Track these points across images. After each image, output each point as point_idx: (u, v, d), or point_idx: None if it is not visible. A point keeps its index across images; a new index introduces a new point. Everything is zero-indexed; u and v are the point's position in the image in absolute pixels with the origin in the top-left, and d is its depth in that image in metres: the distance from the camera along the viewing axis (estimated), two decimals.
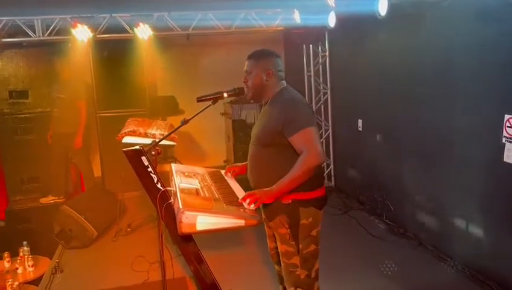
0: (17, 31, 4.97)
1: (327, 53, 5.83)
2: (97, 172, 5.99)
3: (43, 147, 5.46)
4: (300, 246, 2.26)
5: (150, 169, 2.33)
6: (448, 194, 3.66)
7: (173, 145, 4.23)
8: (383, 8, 4.05)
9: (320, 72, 6.00)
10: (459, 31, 3.39)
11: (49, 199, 5.49)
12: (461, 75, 3.41)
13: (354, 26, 4.80)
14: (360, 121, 5.09)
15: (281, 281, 2.67)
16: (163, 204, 2.29)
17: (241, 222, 2.01)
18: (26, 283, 3.77)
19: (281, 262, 2.37)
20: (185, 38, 5.63)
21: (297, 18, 5.44)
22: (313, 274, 2.33)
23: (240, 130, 6.39)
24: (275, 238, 2.46)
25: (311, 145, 2.13)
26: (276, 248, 2.50)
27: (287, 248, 2.29)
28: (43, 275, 3.80)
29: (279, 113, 2.23)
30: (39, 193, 5.58)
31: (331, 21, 5.03)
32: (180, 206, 1.95)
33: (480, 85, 3.23)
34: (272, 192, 2.14)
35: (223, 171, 2.73)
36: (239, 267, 3.65)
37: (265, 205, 2.25)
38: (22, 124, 5.56)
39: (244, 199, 2.11)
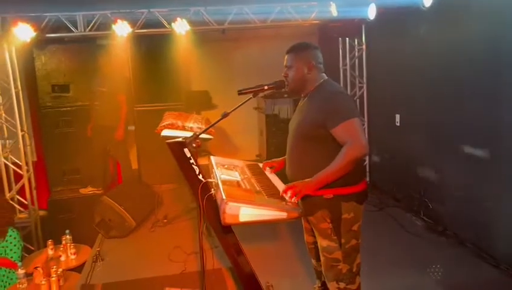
0: (59, 27, 5.12)
1: (364, 46, 5.73)
2: (134, 164, 6.13)
3: (83, 139, 5.63)
4: (343, 240, 2.25)
5: (192, 161, 2.37)
6: (491, 190, 3.53)
7: (210, 139, 4.27)
8: None
9: (357, 65, 5.91)
10: (508, 22, 3.25)
11: (88, 190, 5.67)
12: (507, 71, 3.28)
13: (395, 19, 4.68)
14: (397, 116, 4.99)
15: (318, 276, 2.67)
16: (204, 195, 2.33)
17: (283, 214, 2.02)
18: (68, 270, 3.90)
19: (321, 257, 2.36)
20: (220, 33, 5.65)
21: (333, 11, 5.35)
22: (355, 268, 2.32)
23: (272, 125, 6.37)
24: (313, 233, 2.46)
25: (355, 136, 2.10)
26: (315, 242, 2.50)
27: (329, 243, 2.28)
28: (84, 263, 3.93)
29: (321, 105, 2.22)
30: (79, 184, 5.75)
31: (371, 13, 4.92)
32: (224, 197, 1.97)
33: None
34: (312, 183, 2.12)
35: (261, 165, 2.74)
36: (275, 261, 3.65)
37: (305, 199, 2.23)
38: (63, 117, 5.73)
39: (285, 191, 2.11)
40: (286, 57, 2.40)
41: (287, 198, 2.09)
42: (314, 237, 2.48)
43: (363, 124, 5.93)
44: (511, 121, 3.28)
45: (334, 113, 2.16)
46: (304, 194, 2.12)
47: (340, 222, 2.23)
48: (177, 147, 2.38)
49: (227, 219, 1.95)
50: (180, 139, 2.37)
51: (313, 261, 2.65)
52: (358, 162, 2.13)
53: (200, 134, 2.58)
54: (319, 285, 2.70)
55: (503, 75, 3.33)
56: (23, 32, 4.71)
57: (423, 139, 4.51)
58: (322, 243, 2.31)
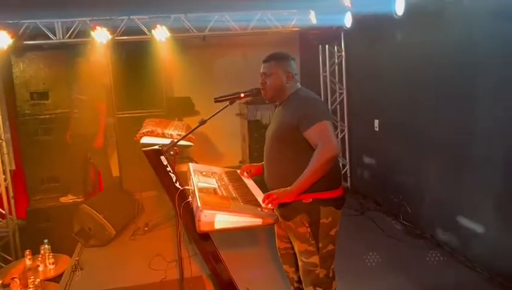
0: (38, 34, 5.07)
1: (343, 53, 5.82)
2: (115, 172, 6.08)
3: (62, 147, 5.56)
4: (320, 245, 2.28)
5: (168, 168, 2.38)
6: (467, 195, 3.61)
7: (190, 146, 4.27)
8: (400, 8, 4.03)
9: (336, 72, 5.99)
10: (479, 28, 3.35)
11: (69, 199, 5.59)
12: (482, 74, 3.37)
13: (371, 26, 4.78)
14: (376, 121, 5.06)
15: (291, 282, 2.70)
16: (181, 203, 2.33)
17: (258, 221, 2.03)
18: (47, 280, 3.85)
19: (299, 261, 2.38)
20: (201, 39, 5.68)
21: (313, 19, 5.44)
22: (331, 273, 2.34)
23: (255, 131, 6.41)
24: (287, 239, 2.48)
25: (325, 138, 2.14)
26: (286, 248, 2.55)
27: (307, 247, 2.30)
28: (63, 273, 3.87)
29: (294, 110, 2.26)
30: (59, 193, 5.68)
31: (347, 21, 5.01)
32: (199, 204, 1.98)
33: (501, 84, 3.18)
34: (291, 191, 2.15)
35: (239, 171, 2.76)
36: (254, 267, 3.66)
37: (284, 205, 2.25)
38: (42, 125, 5.66)
39: (263, 200, 2.14)
40: (264, 65, 2.43)
41: (264, 205, 2.11)
42: (287, 243, 2.51)
43: (343, 130, 6.01)
44: (485, 125, 3.37)
45: (306, 117, 2.19)
46: (281, 201, 2.14)
47: (319, 226, 2.26)
48: (153, 155, 2.38)
49: (203, 227, 1.95)
50: (156, 147, 2.38)
51: (285, 267, 2.68)
52: (332, 162, 2.15)
53: (177, 141, 2.59)
54: None
55: (477, 80, 3.41)
56: (0, 39, 4.65)
57: (401, 144, 4.59)
58: (300, 247, 2.33)
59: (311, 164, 2.13)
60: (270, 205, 2.11)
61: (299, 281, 2.47)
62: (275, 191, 2.18)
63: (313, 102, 2.31)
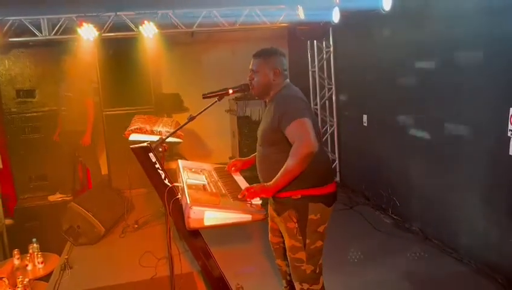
0: (23, 31, 5.01)
1: (331, 49, 5.84)
2: (104, 170, 6.03)
3: (50, 145, 5.52)
4: (307, 241, 2.29)
5: (157, 165, 2.37)
6: (453, 188, 3.66)
7: (179, 142, 4.25)
8: (387, 3, 4.05)
9: (325, 68, 6.01)
10: (464, 25, 3.39)
11: (57, 197, 5.56)
12: (466, 69, 3.41)
13: (358, 22, 4.80)
14: (365, 116, 5.10)
15: (283, 276, 2.73)
16: (170, 200, 2.33)
17: (247, 217, 2.04)
18: (36, 280, 3.82)
19: (287, 256, 2.40)
20: (190, 36, 5.65)
21: (301, 14, 5.44)
22: (318, 269, 2.36)
23: (245, 127, 6.41)
24: (279, 233, 2.50)
25: (302, 135, 2.13)
26: (279, 242, 2.57)
27: (294, 243, 2.32)
28: (52, 272, 3.84)
29: (275, 111, 2.26)
30: (47, 191, 5.64)
31: (335, 17, 5.02)
32: (188, 201, 1.98)
33: (485, 79, 3.23)
34: (269, 187, 2.17)
35: (226, 167, 2.76)
36: (245, 263, 3.68)
37: (275, 201, 2.30)
38: (30, 123, 5.61)
39: (242, 193, 2.15)
40: (252, 60, 2.42)
41: (239, 197, 2.13)
42: (279, 237, 2.52)
43: (333, 125, 6.03)
44: (471, 121, 3.41)
45: (285, 115, 2.19)
46: (259, 196, 2.15)
47: (307, 222, 2.27)
48: (142, 152, 2.37)
49: (192, 224, 1.96)
50: (144, 144, 2.37)
51: (278, 261, 2.70)
52: (308, 159, 2.12)
53: (166, 138, 2.58)
54: (285, 285, 2.74)
55: (462, 77, 3.46)
56: None
57: (390, 138, 4.63)
58: (288, 242, 2.35)
59: (288, 161, 2.14)
60: (258, 201, 2.12)
61: (290, 275, 2.49)
62: (254, 185, 2.21)
63: (292, 100, 2.30)
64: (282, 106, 2.25)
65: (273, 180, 2.17)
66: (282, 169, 2.15)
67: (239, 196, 2.14)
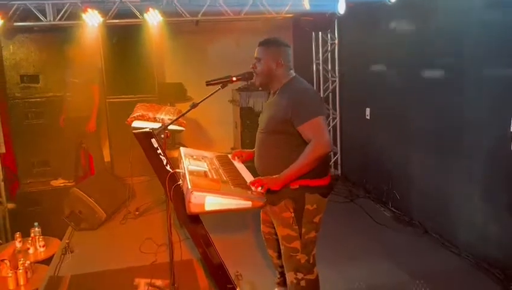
0: (28, 15, 4.99)
1: (336, 41, 5.81)
2: (106, 157, 6.05)
3: (53, 131, 5.53)
4: (303, 230, 2.31)
5: (159, 151, 2.38)
6: (454, 183, 3.67)
7: (181, 131, 4.28)
8: None
9: (329, 60, 5.98)
10: (471, 17, 3.37)
11: (60, 182, 5.59)
12: (472, 63, 3.40)
13: (364, 14, 4.78)
14: (368, 110, 5.09)
15: (275, 267, 2.75)
16: (172, 186, 2.34)
17: (248, 204, 2.05)
18: (37, 262, 3.85)
19: (281, 246, 2.42)
20: (194, 24, 5.62)
21: (306, 5, 5.40)
22: (312, 259, 2.38)
23: (247, 118, 6.41)
24: (271, 224, 2.52)
25: (319, 135, 2.16)
26: (270, 233, 2.62)
27: (289, 232, 2.33)
28: (53, 255, 3.88)
29: (288, 103, 2.25)
30: (50, 176, 5.67)
31: (341, 8, 4.98)
32: (189, 186, 1.99)
33: (490, 73, 3.22)
34: (279, 179, 2.18)
35: (230, 156, 2.77)
36: (244, 251, 3.70)
37: (271, 191, 2.28)
38: (33, 108, 5.61)
39: (252, 183, 2.17)
40: (257, 49, 2.42)
41: (253, 189, 2.14)
42: (271, 228, 2.55)
43: (335, 118, 6.03)
44: (472, 116, 3.40)
45: (300, 111, 2.20)
46: (268, 188, 2.17)
47: (303, 212, 2.28)
48: (144, 138, 2.39)
49: (193, 208, 1.97)
50: (147, 129, 2.38)
51: (269, 251, 2.73)
52: (322, 158, 2.19)
53: (168, 125, 2.60)
54: (278, 276, 2.77)
55: (466, 69, 3.44)
56: None
57: (392, 132, 4.63)
58: (282, 232, 2.36)
59: (303, 157, 2.16)
60: (260, 188, 2.13)
61: (282, 266, 2.51)
62: (263, 177, 2.22)
63: (306, 95, 2.31)
64: (297, 100, 2.25)
65: (283, 173, 2.19)
66: (294, 164, 2.18)
67: (252, 187, 2.14)
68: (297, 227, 2.30)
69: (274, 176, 2.20)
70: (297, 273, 2.36)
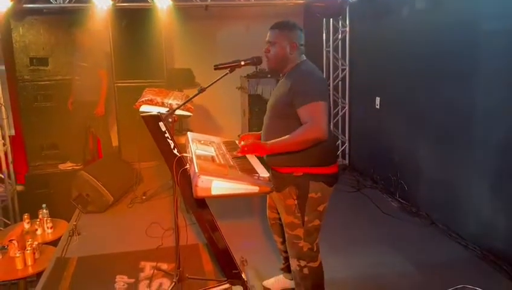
0: None
1: (347, 28, 5.73)
2: (114, 142, 6.08)
3: (62, 114, 5.55)
4: (306, 218, 2.29)
5: (167, 135, 2.38)
6: (463, 174, 3.63)
7: (189, 116, 4.26)
8: None
9: (340, 47, 5.91)
10: (486, 6, 3.29)
11: (68, 166, 5.63)
12: (485, 53, 3.33)
13: (376, 1, 4.70)
14: (377, 99, 5.03)
15: (280, 253, 2.76)
16: (179, 170, 2.35)
17: (255, 189, 2.05)
18: (44, 244, 3.90)
19: (285, 233, 2.41)
20: (203, 9, 5.58)
21: None
22: (315, 248, 2.38)
23: (255, 105, 6.38)
24: (276, 210, 2.52)
25: (316, 118, 2.09)
26: (275, 218, 2.63)
27: (292, 219, 2.32)
28: (61, 237, 3.92)
29: (292, 85, 2.21)
30: (58, 159, 5.71)
31: None
32: (196, 170, 1.99)
33: (502, 64, 3.15)
34: (265, 146, 2.18)
35: (237, 141, 2.76)
36: (250, 237, 3.70)
37: (276, 176, 2.28)
38: (42, 91, 5.63)
39: (242, 151, 2.18)
40: (269, 32, 2.37)
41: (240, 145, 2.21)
42: (276, 213, 2.55)
43: (344, 107, 5.97)
44: (484, 107, 3.35)
45: (301, 94, 2.15)
46: (254, 153, 2.21)
47: (306, 200, 2.26)
48: (152, 121, 2.39)
49: (199, 192, 1.96)
50: (155, 113, 2.37)
51: (275, 236, 2.74)
52: (313, 143, 2.11)
53: (176, 109, 2.59)
54: (283, 262, 2.78)
55: (481, 59, 3.37)
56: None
57: (401, 122, 4.58)
58: (286, 219, 2.35)
59: (294, 134, 2.12)
60: (266, 175, 2.13)
61: (287, 252, 2.51)
62: (253, 141, 2.25)
63: (311, 78, 2.25)
64: (300, 82, 2.21)
65: (271, 141, 2.17)
66: (284, 137, 2.14)
67: (236, 153, 2.19)
68: (300, 215, 2.29)
69: (261, 142, 2.22)
70: (300, 261, 2.36)
